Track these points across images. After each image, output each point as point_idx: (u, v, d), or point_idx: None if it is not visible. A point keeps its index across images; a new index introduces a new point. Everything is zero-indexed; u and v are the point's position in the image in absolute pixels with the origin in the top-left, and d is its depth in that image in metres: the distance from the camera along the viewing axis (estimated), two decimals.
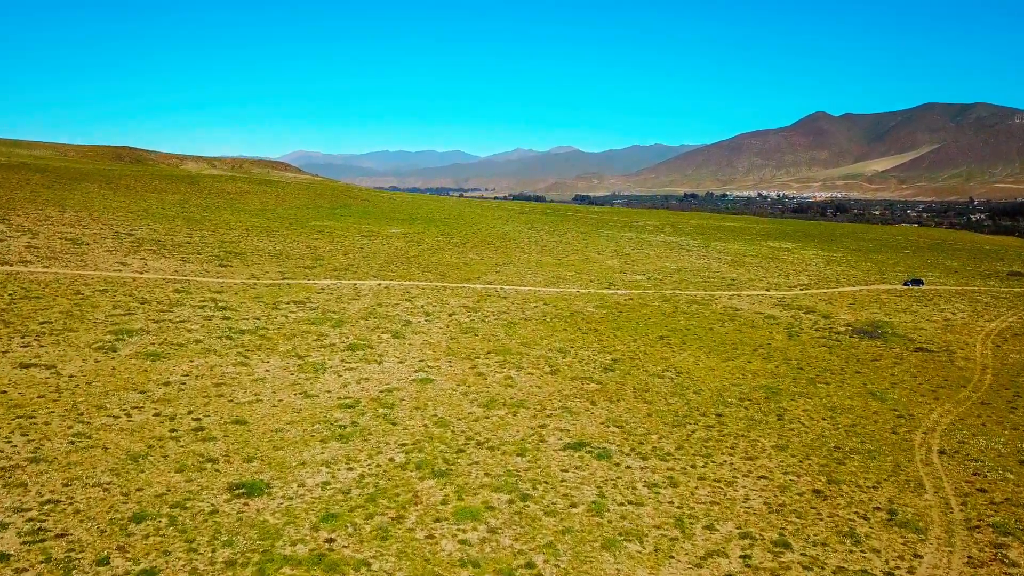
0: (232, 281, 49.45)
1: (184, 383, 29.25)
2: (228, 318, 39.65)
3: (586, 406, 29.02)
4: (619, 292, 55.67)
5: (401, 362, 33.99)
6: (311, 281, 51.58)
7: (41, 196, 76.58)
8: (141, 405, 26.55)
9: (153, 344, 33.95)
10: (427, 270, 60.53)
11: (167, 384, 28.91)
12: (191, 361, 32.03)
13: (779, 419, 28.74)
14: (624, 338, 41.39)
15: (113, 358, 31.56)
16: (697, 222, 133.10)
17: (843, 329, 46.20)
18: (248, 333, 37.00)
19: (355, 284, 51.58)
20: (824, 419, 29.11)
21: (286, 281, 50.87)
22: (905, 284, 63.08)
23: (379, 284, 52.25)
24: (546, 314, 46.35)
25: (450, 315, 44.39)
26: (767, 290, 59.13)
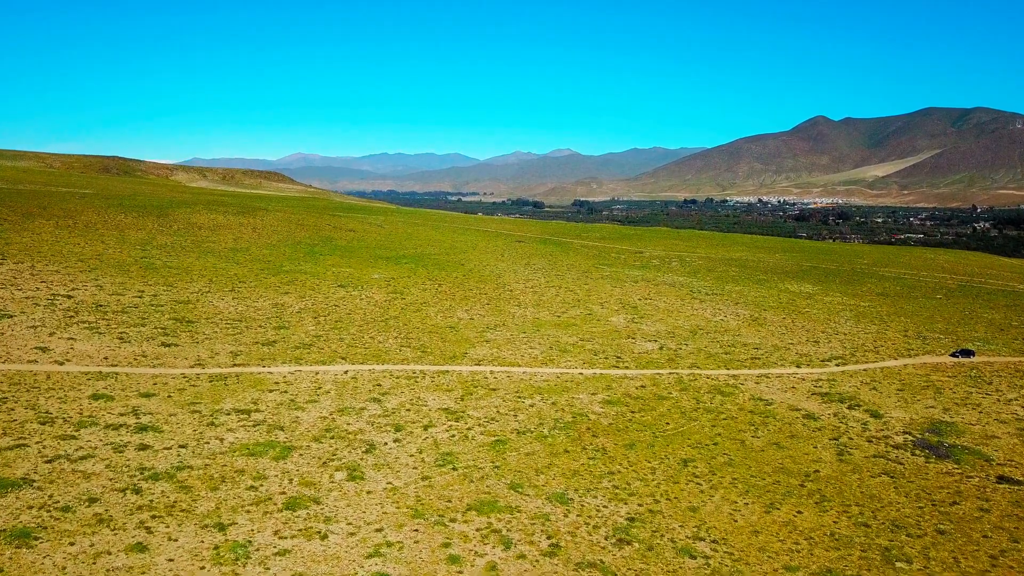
0: (171, 372, 41.55)
1: None
2: (146, 447, 31.71)
3: None
4: (629, 373, 47.86)
5: (352, 534, 26.08)
6: (266, 369, 43.67)
7: None
8: None
9: (31, 509, 25.99)
10: (407, 341, 52.65)
11: None
12: (71, 545, 24.07)
13: None
14: (640, 465, 33.56)
15: None
16: (705, 252, 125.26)
17: (901, 440, 38.38)
18: (164, 479, 29.05)
19: (317, 373, 43.66)
20: None
21: (235, 370, 42.96)
22: (953, 355, 55.26)
23: (346, 372, 44.34)
24: (543, 420, 38.51)
25: (425, 428, 36.49)
26: (798, 366, 51.34)
